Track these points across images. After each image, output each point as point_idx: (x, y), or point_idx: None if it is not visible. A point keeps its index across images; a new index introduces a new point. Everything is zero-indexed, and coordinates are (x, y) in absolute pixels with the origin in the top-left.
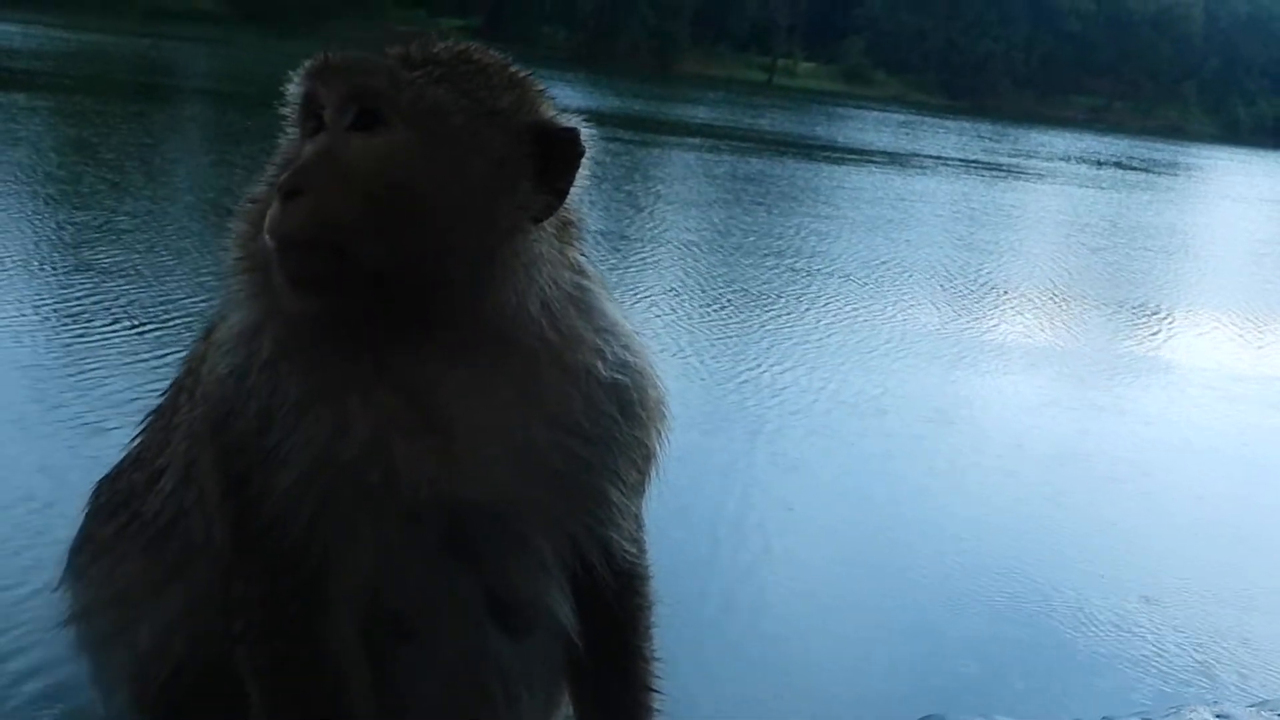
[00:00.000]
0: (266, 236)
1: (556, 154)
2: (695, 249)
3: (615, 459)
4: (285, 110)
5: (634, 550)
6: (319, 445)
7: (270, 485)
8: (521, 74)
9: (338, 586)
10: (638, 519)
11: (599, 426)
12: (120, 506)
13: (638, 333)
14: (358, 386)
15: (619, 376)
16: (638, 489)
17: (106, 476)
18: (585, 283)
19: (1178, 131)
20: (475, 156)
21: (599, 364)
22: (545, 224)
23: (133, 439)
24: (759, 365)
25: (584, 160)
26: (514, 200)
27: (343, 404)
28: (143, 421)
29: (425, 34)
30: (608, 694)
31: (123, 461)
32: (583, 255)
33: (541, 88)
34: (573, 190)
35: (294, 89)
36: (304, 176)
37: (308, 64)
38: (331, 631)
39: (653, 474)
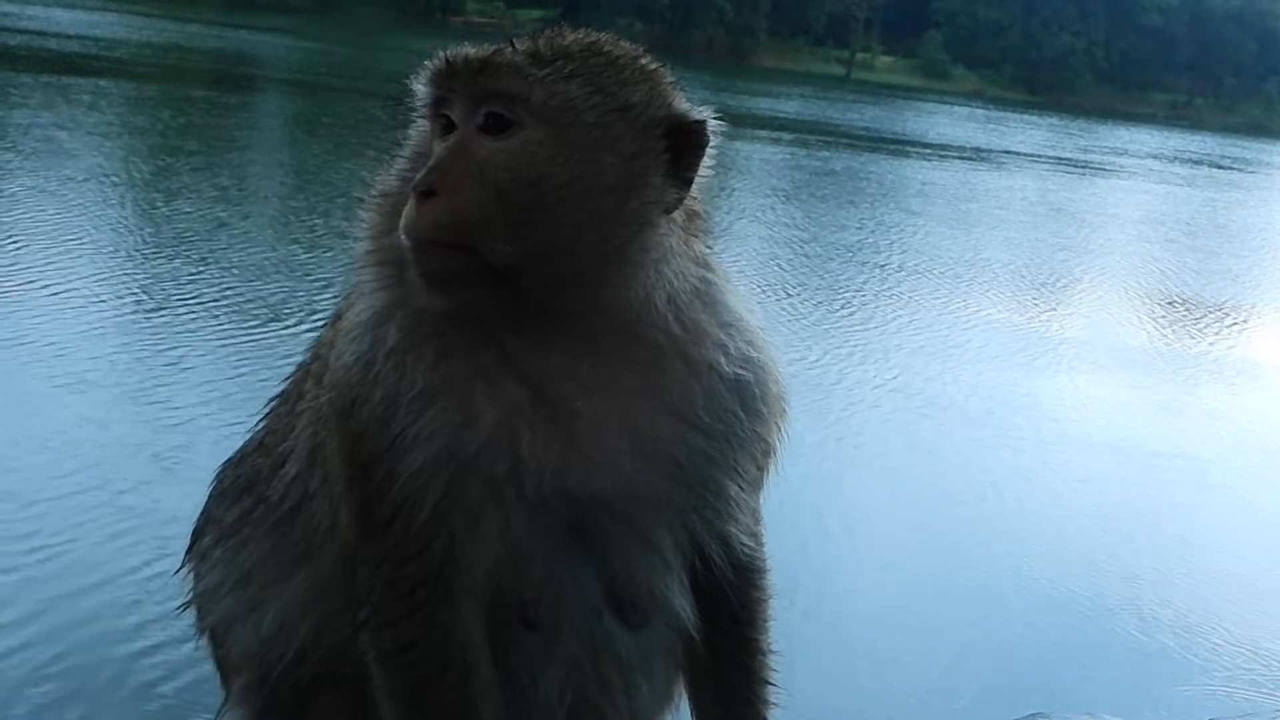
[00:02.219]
0: (402, 236)
1: (686, 145)
2: (786, 245)
3: (736, 453)
4: (412, 103)
5: (752, 544)
6: (444, 434)
7: (395, 472)
8: (652, 65)
9: (462, 575)
10: (755, 513)
11: (721, 421)
12: (244, 491)
13: (761, 327)
14: (483, 377)
15: (742, 371)
16: (757, 483)
17: (229, 460)
18: (710, 276)
19: (1260, 129)
20: (608, 153)
21: (722, 359)
22: (674, 216)
23: (256, 424)
24: (843, 360)
25: (708, 149)
26: (646, 195)
27: (469, 394)
28: (266, 406)
29: (556, 26)
30: (725, 686)
31: (246, 446)
32: (707, 247)
33: (671, 79)
34: (698, 180)
35: (421, 87)
36: (438, 178)
37: (434, 63)
38: (457, 619)
39: (771, 468)
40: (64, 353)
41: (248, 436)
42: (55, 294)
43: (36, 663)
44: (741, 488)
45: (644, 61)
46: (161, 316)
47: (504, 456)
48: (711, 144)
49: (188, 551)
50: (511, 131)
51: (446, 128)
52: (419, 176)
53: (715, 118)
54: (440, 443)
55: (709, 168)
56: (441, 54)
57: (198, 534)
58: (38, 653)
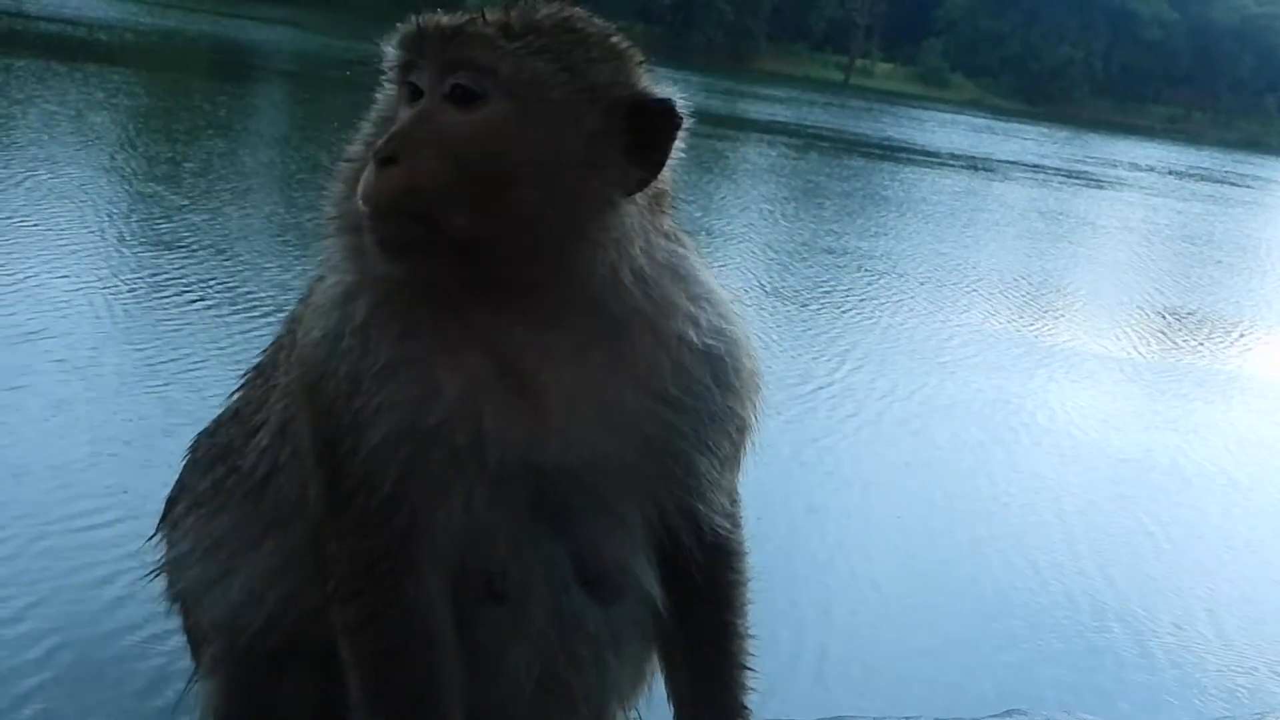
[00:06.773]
0: (359, 201)
1: (652, 126)
2: (770, 248)
3: (706, 428)
4: (383, 69)
5: (726, 525)
6: (407, 408)
7: (359, 446)
8: (622, 45)
9: (426, 547)
10: (731, 493)
11: (690, 394)
12: (218, 460)
13: (734, 301)
14: (447, 350)
15: (713, 343)
16: (731, 461)
17: (205, 430)
18: (680, 250)
19: (1257, 144)
20: (571, 132)
21: (692, 331)
22: (638, 195)
23: (232, 394)
24: (830, 364)
25: (679, 131)
26: (607, 175)
27: (432, 368)
28: (243, 377)
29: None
30: (700, 668)
31: (221, 416)
32: (675, 223)
33: (640, 59)
34: (668, 161)
35: (392, 51)
36: (400, 145)
37: (405, 29)
38: (420, 592)
39: (747, 446)
40: (64, 341)
41: (223, 406)
42: (48, 280)
43: (35, 650)
44: (713, 464)
45: (614, 40)
46: (163, 304)
47: (466, 429)
48: (683, 127)
49: (161, 520)
50: (478, 104)
51: (414, 94)
52: (380, 143)
53: (681, 97)
54: (402, 416)
55: (680, 149)
56: (413, 18)
57: (171, 502)
58: (38, 640)
